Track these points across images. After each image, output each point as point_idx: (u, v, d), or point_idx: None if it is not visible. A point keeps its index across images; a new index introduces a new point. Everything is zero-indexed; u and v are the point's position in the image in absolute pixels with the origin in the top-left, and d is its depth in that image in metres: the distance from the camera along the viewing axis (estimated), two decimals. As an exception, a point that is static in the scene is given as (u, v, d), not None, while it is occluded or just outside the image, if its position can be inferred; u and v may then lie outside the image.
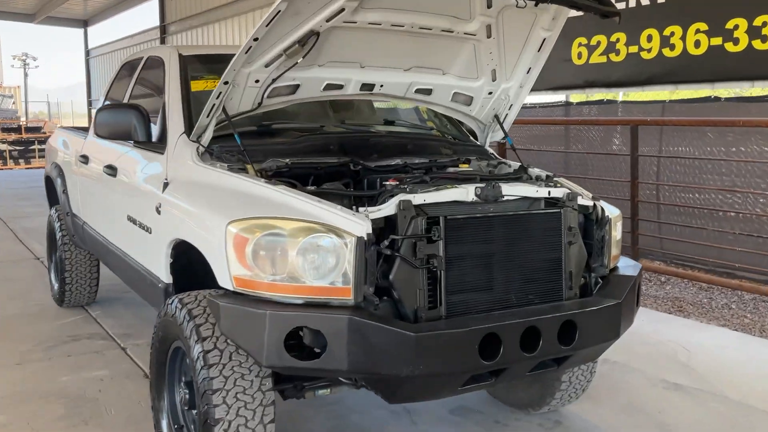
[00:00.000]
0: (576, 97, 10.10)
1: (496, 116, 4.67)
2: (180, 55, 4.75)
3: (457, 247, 3.34)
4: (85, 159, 5.97)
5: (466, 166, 4.47)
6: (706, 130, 8.42)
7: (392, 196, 3.34)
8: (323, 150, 4.13)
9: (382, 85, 4.29)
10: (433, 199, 3.38)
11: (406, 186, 3.43)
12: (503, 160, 4.80)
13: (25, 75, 37.74)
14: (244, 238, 3.16)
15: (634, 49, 7.39)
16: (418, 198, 3.34)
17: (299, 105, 4.58)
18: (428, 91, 4.50)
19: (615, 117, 9.84)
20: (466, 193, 3.47)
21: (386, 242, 3.23)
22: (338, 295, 3.13)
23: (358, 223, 3.15)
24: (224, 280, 3.26)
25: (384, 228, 3.31)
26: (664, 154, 8.96)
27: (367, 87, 4.26)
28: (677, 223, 8.77)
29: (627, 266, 4.10)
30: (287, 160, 3.87)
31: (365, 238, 3.12)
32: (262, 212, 3.28)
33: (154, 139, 4.38)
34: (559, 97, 10.11)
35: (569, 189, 3.85)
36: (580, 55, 8.08)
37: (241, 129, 3.98)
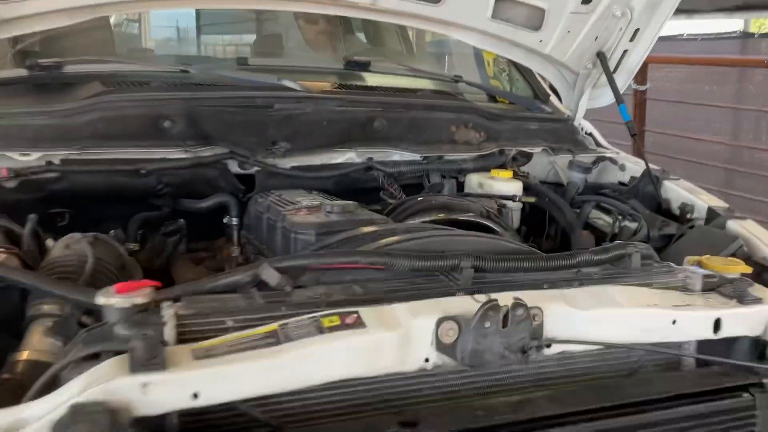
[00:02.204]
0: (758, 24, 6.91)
1: (601, 55, 2.25)
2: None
3: None
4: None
5: (508, 174, 1.91)
6: None
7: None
8: (151, 127, 1.83)
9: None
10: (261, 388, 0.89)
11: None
12: (606, 152, 2.29)
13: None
14: None
15: None
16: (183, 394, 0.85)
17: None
18: (433, -1, 1.94)
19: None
20: (400, 360, 0.95)
21: None
22: None
23: None
24: None
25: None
26: None
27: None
28: None
29: None
30: (38, 155, 1.70)
31: None
32: None
33: None
34: (733, 23, 6.96)
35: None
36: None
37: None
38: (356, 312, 0.99)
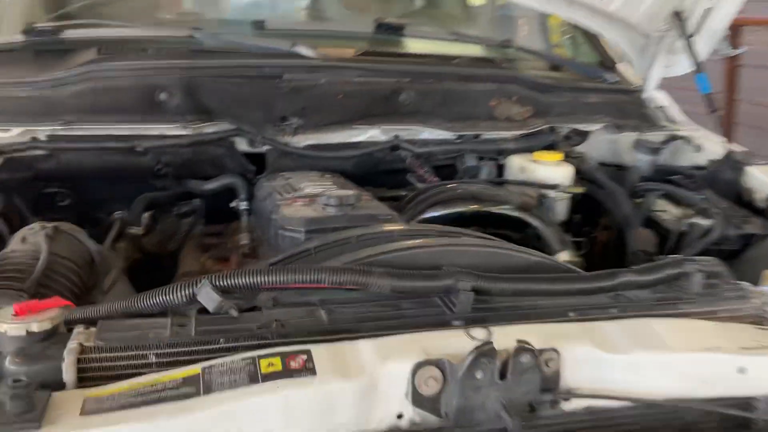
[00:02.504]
0: None
1: (678, 14, 1.92)
2: None
3: None
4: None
5: (556, 157, 1.63)
6: None
7: None
8: (145, 100, 1.63)
9: None
10: None
11: None
12: (681, 129, 1.92)
13: None
14: None
15: None
16: None
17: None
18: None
19: None
20: (363, 418, 0.73)
21: None
22: None
23: None
24: None
25: None
26: None
27: None
28: None
29: None
30: (19, 130, 1.54)
31: None
32: None
33: None
34: None
35: None
36: None
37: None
38: (306, 352, 0.76)
